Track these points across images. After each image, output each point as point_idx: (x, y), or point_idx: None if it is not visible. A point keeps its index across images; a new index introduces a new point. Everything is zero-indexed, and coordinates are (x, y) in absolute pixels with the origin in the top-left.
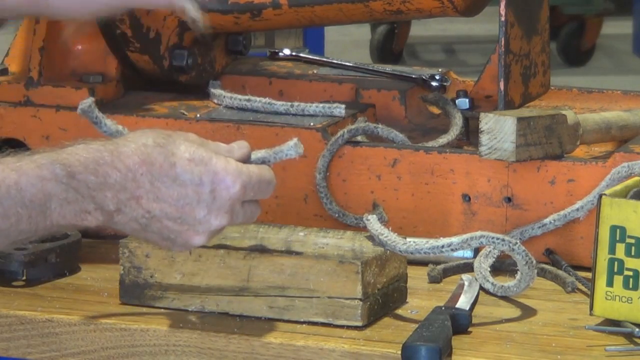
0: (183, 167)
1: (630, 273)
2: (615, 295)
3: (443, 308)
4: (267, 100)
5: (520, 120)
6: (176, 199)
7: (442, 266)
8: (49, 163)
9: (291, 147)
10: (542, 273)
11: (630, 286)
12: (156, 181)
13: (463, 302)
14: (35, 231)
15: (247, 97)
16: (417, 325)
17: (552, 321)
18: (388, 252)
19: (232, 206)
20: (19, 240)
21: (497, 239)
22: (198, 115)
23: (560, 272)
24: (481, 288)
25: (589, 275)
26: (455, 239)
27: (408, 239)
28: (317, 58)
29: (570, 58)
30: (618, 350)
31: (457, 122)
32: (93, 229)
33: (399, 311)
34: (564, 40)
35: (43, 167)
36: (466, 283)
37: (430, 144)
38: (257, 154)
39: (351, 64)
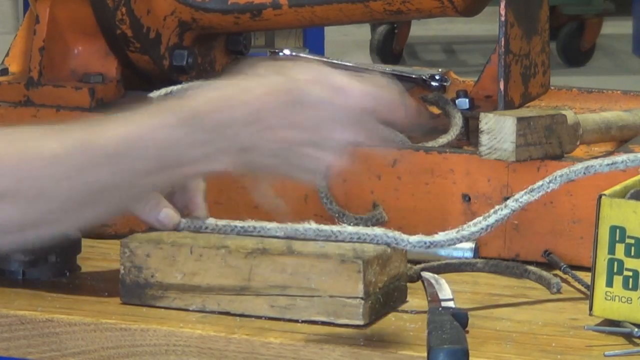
0: (308, 89)
1: (630, 273)
2: (615, 296)
3: (440, 309)
4: None
5: (520, 120)
6: (308, 121)
7: (420, 266)
8: (167, 110)
9: None
10: (526, 274)
11: (630, 286)
12: (286, 108)
13: (449, 299)
14: (168, 184)
15: None
16: (418, 326)
17: (552, 321)
18: (389, 250)
19: (361, 118)
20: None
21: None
22: None
23: (544, 273)
24: None
25: (588, 275)
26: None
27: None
28: (317, 58)
29: (570, 58)
30: (617, 355)
31: (457, 122)
32: (224, 171)
33: (399, 310)
34: (564, 40)
35: (162, 115)
36: (432, 281)
37: (430, 144)
38: None
39: (351, 64)
